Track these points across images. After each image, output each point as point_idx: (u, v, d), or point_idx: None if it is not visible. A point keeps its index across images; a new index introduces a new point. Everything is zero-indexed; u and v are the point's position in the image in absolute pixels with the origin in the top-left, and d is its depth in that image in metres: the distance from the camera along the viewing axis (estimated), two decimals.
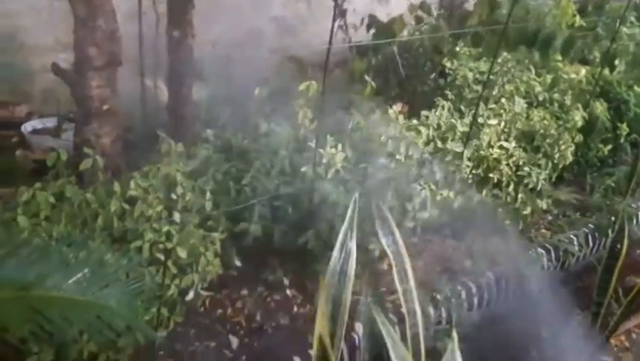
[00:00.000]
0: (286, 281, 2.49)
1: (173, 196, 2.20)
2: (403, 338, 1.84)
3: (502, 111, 3.24)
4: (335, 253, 1.67)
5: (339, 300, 1.62)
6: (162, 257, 1.99)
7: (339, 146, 2.56)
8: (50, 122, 3.34)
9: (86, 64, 2.24)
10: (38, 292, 1.58)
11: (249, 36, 4.18)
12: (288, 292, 2.48)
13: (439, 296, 2.59)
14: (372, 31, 3.70)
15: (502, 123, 3.13)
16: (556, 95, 3.53)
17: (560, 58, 3.70)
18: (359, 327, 1.84)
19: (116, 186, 2.11)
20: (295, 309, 2.41)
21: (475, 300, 2.75)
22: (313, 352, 1.56)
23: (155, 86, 2.53)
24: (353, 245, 1.63)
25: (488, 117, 3.11)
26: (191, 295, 2.14)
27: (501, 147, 3.06)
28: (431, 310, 2.54)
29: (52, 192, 2.06)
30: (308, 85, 2.53)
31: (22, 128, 3.28)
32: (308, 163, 2.46)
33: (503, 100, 3.31)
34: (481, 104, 3.11)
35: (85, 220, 2.05)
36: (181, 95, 2.46)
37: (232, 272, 2.40)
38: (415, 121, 2.87)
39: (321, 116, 2.54)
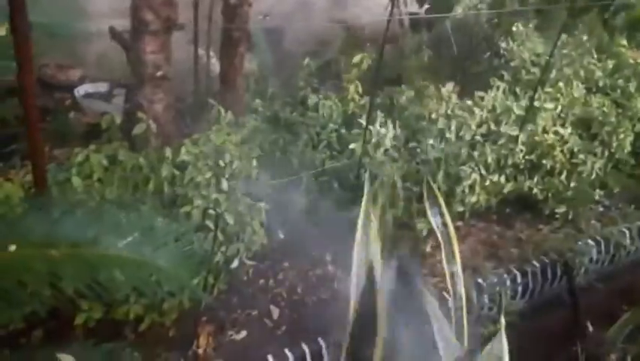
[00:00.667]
0: (328, 257, 2.48)
1: (222, 165, 2.20)
2: (447, 320, 1.81)
3: (559, 95, 3.11)
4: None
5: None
6: (210, 224, 2.01)
7: (389, 123, 2.51)
8: (102, 87, 3.40)
9: (142, 29, 2.24)
10: (92, 249, 1.62)
11: (299, 8, 4.13)
12: (330, 267, 2.47)
13: (482, 282, 2.53)
14: (426, 6, 3.59)
15: (559, 108, 3.00)
16: (619, 82, 3.35)
17: (624, 43, 3.52)
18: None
19: (168, 152, 2.12)
20: (336, 285, 2.40)
21: (520, 288, 2.68)
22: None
23: (208, 54, 2.52)
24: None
25: (544, 101, 2.98)
26: (236, 263, 2.15)
27: (556, 133, 2.94)
28: (474, 295, 2.49)
29: (106, 154, 2.09)
30: (362, 57, 2.47)
31: (75, 91, 3.35)
32: (356, 139, 2.42)
33: (561, 84, 3.17)
34: (538, 88, 2.98)
35: (136, 184, 2.07)
36: (233, 65, 2.44)
37: (275, 244, 2.41)
38: (469, 102, 2.77)
39: (371, 91, 2.49)
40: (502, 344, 1.70)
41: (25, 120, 1.43)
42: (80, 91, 3.36)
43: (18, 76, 1.35)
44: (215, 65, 2.97)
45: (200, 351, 2.01)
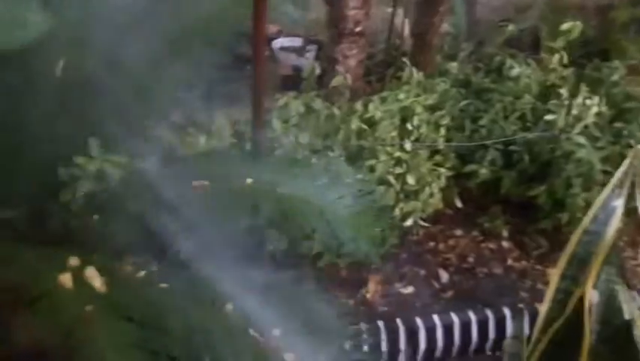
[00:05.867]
0: (505, 232, 2.38)
1: (408, 125, 2.22)
2: None
3: None
4: (593, 210, 1.50)
5: (586, 261, 1.49)
6: (392, 180, 2.06)
7: (594, 98, 2.28)
8: (296, 42, 3.60)
9: None
10: (284, 190, 1.76)
11: None
12: (505, 243, 2.38)
13: None
14: None
15: None
16: None
17: None
18: (594, 295, 1.69)
19: (358, 106, 2.20)
20: (509, 262, 2.31)
21: None
22: (543, 307, 1.49)
23: (405, 12, 2.52)
24: (620, 204, 1.45)
25: None
26: (410, 222, 2.18)
27: None
28: None
29: (303, 102, 2.24)
30: (573, 25, 2.26)
31: (273, 44, 3.61)
32: (554, 110, 2.25)
33: None
34: None
35: (327, 133, 2.19)
36: (432, 24, 2.41)
37: (450, 211, 2.39)
38: None
39: (578, 61, 2.28)
40: None
41: (254, 63, 1.60)
42: (277, 44, 3.61)
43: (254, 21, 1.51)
44: (406, 25, 2.95)
45: (369, 296, 2.11)
